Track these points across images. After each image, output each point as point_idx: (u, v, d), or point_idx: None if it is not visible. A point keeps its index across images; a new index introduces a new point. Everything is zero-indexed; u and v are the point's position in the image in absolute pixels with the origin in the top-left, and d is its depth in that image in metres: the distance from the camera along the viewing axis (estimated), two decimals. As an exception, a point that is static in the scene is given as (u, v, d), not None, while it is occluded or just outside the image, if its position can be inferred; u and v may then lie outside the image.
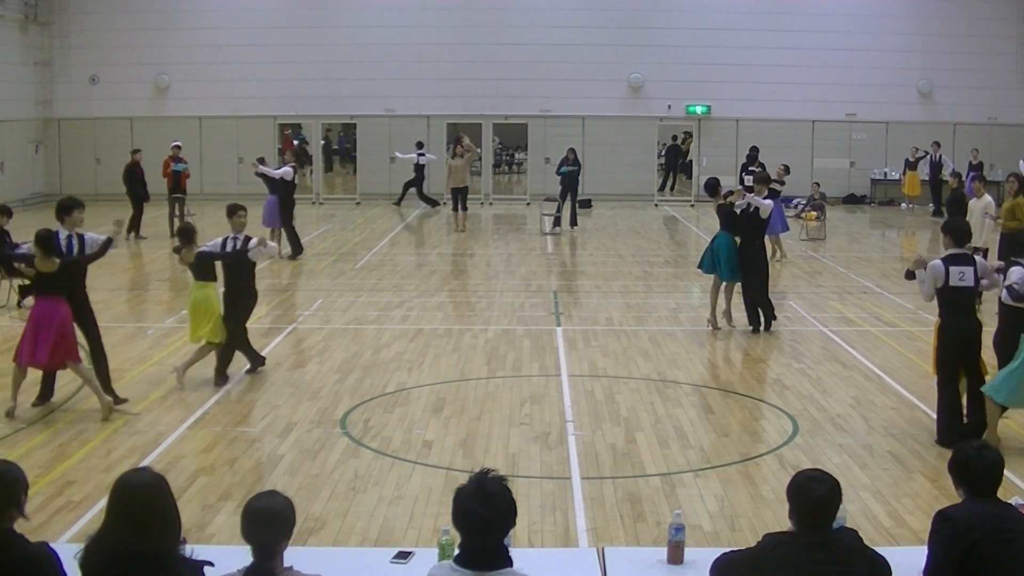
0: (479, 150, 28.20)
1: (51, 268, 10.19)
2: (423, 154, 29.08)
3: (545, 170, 30.42)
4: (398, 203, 29.83)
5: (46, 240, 10.22)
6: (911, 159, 30.00)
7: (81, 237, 10.54)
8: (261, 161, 21.07)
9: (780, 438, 9.76)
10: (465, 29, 31.24)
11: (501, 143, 35.48)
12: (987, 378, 9.51)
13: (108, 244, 10.63)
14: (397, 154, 29.60)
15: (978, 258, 9.77)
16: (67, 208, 10.64)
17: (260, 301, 16.16)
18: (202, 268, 11.61)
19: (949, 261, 9.49)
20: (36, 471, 8.49)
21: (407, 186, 29.55)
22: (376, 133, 31.76)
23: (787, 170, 22.93)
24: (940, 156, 29.03)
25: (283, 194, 20.23)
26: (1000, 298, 9.47)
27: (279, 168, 20.82)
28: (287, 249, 20.34)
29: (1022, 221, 15.81)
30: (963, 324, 9.52)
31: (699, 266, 14.92)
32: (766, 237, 15.77)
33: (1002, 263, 10.02)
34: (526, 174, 33.38)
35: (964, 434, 8.70)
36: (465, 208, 25.04)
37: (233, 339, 11.61)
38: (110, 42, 31.33)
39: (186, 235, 11.54)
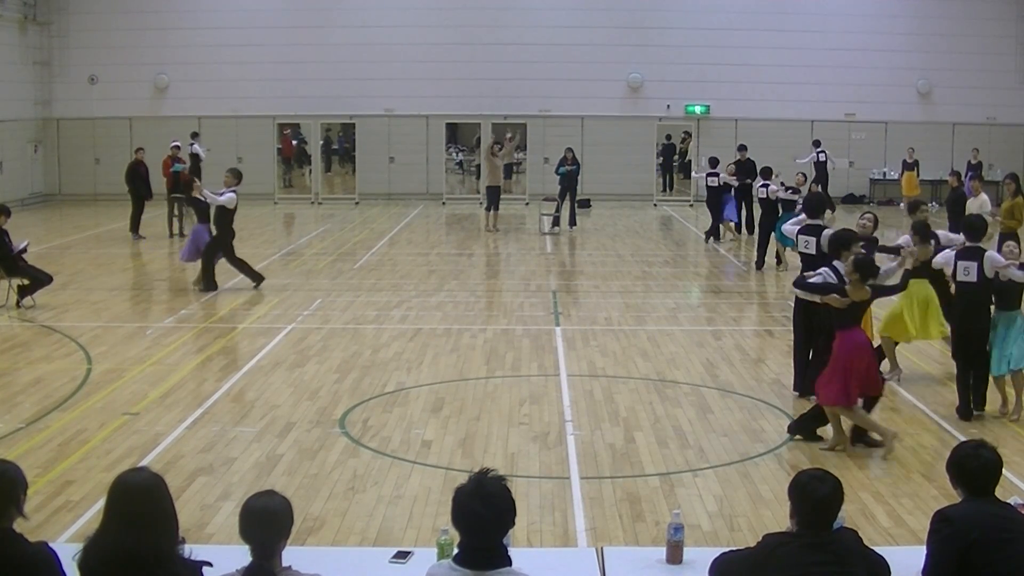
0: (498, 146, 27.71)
1: (865, 296, 9.03)
2: (192, 143, 29.01)
3: (544, 170, 30.43)
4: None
5: (868, 266, 9.01)
6: (908, 160, 30.09)
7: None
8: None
9: (779, 438, 9.76)
10: (464, 29, 31.25)
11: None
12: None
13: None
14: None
15: (988, 254, 10.15)
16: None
17: (258, 300, 16.26)
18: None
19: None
20: (35, 471, 8.48)
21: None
22: (375, 133, 31.75)
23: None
24: (822, 154, 29.02)
25: (221, 224, 16.87)
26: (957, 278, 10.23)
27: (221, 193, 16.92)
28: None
29: (1020, 221, 15.87)
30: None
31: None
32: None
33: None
34: (525, 173, 33.37)
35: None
36: (497, 208, 25.07)
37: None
38: (109, 42, 31.33)
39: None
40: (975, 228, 10.31)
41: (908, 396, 11.14)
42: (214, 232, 17.04)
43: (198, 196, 17.15)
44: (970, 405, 10.27)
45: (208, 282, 16.86)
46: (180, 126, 29.80)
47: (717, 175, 23.17)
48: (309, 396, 11.01)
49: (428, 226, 26.77)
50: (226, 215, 16.69)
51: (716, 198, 23.18)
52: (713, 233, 23.26)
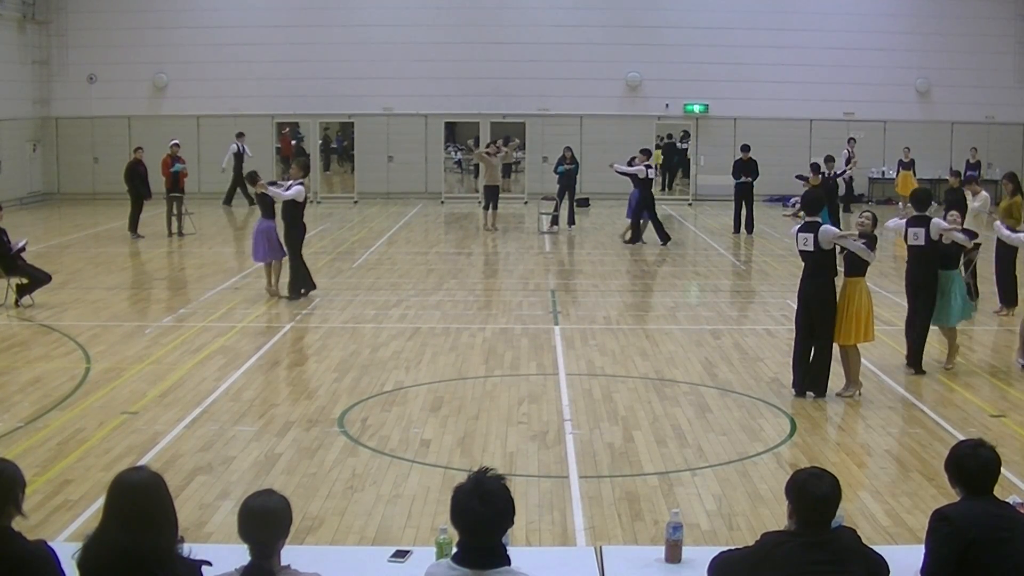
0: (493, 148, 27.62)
1: None
2: (235, 143, 29.26)
3: (543, 169, 30.42)
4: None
5: None
6: (904, 159, 30.12)
7: None
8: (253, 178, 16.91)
9: (778, 437, 9.77)
10: (463, 28, 31.24)
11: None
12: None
13: None
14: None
15: (934, 220, 11.86)
16: None
17: (257, 300, 16.25)
18: None
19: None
20: (34, 470, 8.49)
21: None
22: (374, 132, 31.74)
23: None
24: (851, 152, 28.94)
25: (291, 219, 16.10)
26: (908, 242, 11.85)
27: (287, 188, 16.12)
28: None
29: (1018, 220, 15.86)
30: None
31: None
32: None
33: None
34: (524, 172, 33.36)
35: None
36: (496, 207, 25.06)
37: None
38: (108, 41, 31.31)
39: None
40: (918, 199, 12.13)
41: (906, 394, 11.16)
42: (284, 229, 16.16)
43: (263, 192, 16.08)
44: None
45: (306, 283, 16.39)
46: (179, 125, 29.82)
47: (651, 166, 23.11)
48: (308, 395, 11.02)
49: (427, 225, 26.76)
50: (295, 209, 15.96)
51: (648, 192, 22.52)
52: (658, 231, 22.53)
